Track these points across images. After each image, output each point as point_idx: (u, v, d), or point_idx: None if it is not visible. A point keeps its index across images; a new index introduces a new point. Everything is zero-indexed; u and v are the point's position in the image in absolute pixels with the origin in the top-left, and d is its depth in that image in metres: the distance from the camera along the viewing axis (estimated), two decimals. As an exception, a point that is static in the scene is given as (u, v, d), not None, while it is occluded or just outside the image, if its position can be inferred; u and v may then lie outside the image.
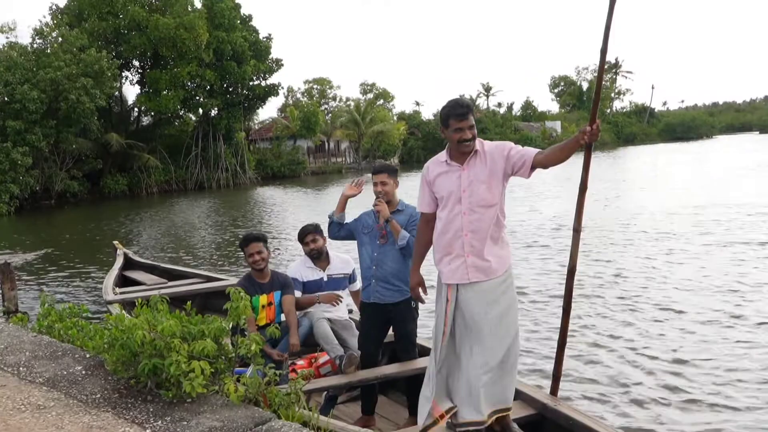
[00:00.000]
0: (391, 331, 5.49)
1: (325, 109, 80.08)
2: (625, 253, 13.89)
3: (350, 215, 5.58)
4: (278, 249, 16.94)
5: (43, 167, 39.16)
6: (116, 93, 47.20)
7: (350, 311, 6.29)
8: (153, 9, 45.79)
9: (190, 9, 46.01)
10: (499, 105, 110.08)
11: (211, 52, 46.12)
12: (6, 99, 36.83)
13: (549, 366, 5.92)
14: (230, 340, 3.88)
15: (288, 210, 29.66)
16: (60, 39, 40.91)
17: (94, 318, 8.58)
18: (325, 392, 5.54)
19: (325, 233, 5.89)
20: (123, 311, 4.17)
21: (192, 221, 27.80)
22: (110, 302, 8.13)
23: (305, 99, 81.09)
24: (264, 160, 57.92)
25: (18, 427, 3.24)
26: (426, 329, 6.20)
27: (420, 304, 5.00)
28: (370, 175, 5.36)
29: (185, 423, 3.23)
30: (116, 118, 48.36)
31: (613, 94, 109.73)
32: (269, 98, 53.98)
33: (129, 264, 10.70)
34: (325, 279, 6.10)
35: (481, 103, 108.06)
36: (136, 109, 51.31)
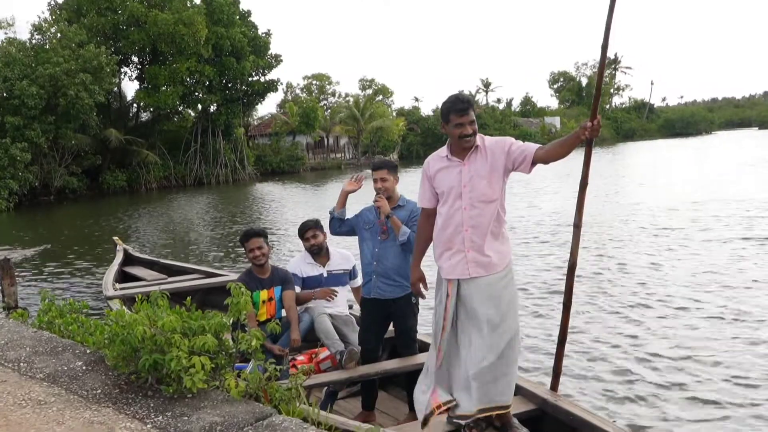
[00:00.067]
0: (391, 327, 5.49)
1: (324, 104, 79.96)
2: (624, 249, 13.89)
3: (351, 211, 5.58)
4: (277, 244, 16.93)
5: (42, 163, 39.13)
6: (115, 89, 47.11)
7: (350, 306, 6.30)
8: (152, 4, 45.72)
9: (188, 4, 45.99)
10: (498, 101, 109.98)
11: (210, 47, 46.06)
12: (5, 95, 36.81)
13: (549, 361, 5.92)
14: (231, 336, 3.88)
15: (286, 206, 29.66)
16: (59, 35, 40.89)
17: (94, 314, 8.57)
18: (326, 388, 5.55)
19: (326, 229, 5.89)
20: (123, 307, 4.17)
21: (191, 217, 27.80)
22: (110, 298, 8.13)
23: (304, 95, 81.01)
24: (263, 155, 57.90)
25: (19, 423, 3.23)
26: (427, 325, 6.20)
27: (420, 300, 5.00)
28: (370, 170, 5.36)
29: (186, 418, 3.22)
30: (115, 114, 48.30)
31: (612, 90, 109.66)
32: (268, 94, 53.98)
33: (129, 260, 10.71)
34: (325, 275, 6.10)
35: (480, 98, 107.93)
36: (135, 105, 51.27)
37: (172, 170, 48.74)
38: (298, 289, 5.93)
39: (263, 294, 5.75)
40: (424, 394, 4.16)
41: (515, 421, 4.17)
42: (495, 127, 75.07)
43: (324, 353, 5.70)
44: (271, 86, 53.03)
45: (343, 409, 5.69)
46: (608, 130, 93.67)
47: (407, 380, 5.38)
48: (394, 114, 77.42)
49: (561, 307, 4.45)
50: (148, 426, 3.16)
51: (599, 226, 16.89)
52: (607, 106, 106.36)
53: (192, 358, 3.42)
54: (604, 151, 66.79)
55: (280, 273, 5.92)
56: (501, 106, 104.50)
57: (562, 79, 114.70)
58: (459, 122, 3.97)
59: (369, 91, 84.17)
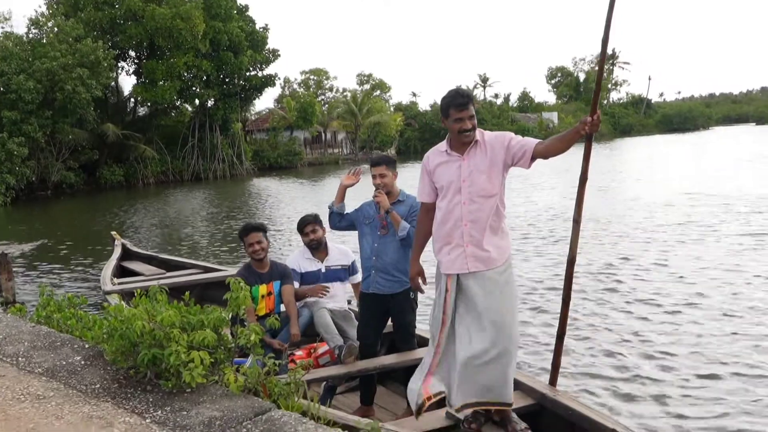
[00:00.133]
0: (390, 322, 5.49)
1: (322, 99, 79.84)
2: (622, 244, 13.90)
3: (350, 206, 5.57)
4: (274, 239, 16.93)
5: (39, 158, 39.04)
6: (112, 83, 46.99)
7: (349, 302, 6.30)
8: (149, -1, 45.61)
9: (186, -1, 45.85)
10: (496, 96, 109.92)
11: (208, 42, 45.94)
12: (2, 89, 36.75)
13: (548, 356, 5.93)
14: (230, 331, 3.88)
15: (284, 201, 29.64)
16: (56, 29, 40.77)
17: (91, 308, 8.57)
18: (324, 383, 5.55)
19: (325, 224, 5.88)
20: (122, 301, 4.17)
21: (188, 212, 27.78)
22: (108, 292, 8.13)
23: (302, 90, 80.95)
24: (260, 151, 57.84)
25: (18, 417, 3.23)
26: (426, 320, 6.20)
27: (420, 295, 5.01)
28: (368, 164, 5.34)
29: (185, 413, 3.22)
30: (112, 109, 48.19)
31: (610, 86, 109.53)
32: (266, 89, 53.81)
33: (127, 254, 10.70)
34: (323, 270, 6.10)
35: (478, 94, 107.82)
36: (132, 100, 51.11)
37: (169, 165, 48.67)
38: (296, 284, 5.94)
39: (262, 288, 5.75)
40: (415, 383, 4.18)
41: (514, 415, 4.17)
42: (492, 122, 75.00)
43: (322, 348, 5.71)
44: (269, 81, 52.93)
45: (341, 404, 5.69)
46: (606, 126, 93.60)
47: (406, 375, 5.37)
48: (392, 109, 77.39)
49: (559, 301, 4.46)
50: (147, 420, 3.17)
51: (597, 222, 16.89)
52: (605, 102, 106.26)
53: (191, 352, 3.42)
54: (602, 146, 66.79)
55: (279, 268, 5.92)
56: (499, 101, 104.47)
57: (559, 75, 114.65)
58: (458, 117, 3.97)
59: (366, 86, 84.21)
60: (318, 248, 6.11)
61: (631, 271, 11.34)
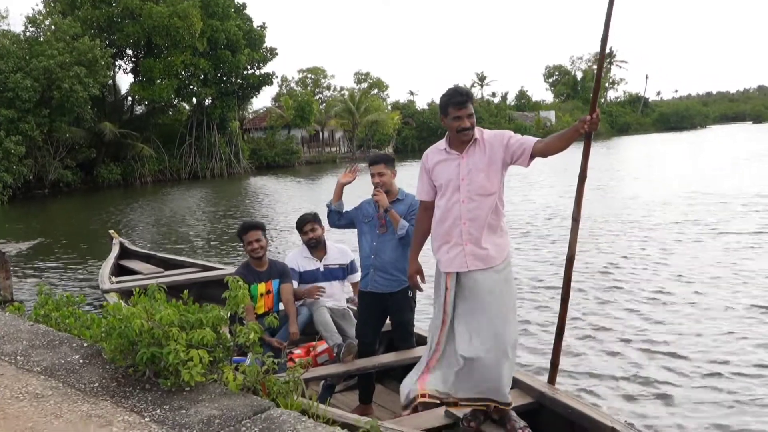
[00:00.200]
0: (388, 320, 5.49)
1: (320, 98, 79.83)
2: (620, 243, 13.91)
3: (348, 204, 5.57)
4: (272, 238, 16.91)
5: (37, 156, 38.97)
6: (110, 82, 46.92)
7: (348, 300, 6.29)
8: (146, -3, 45.53)
9: (183, -3, 45.75)
10: (494, 94, 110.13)
11: (205, 40, 45.88)
12: (-1, 87, 36.65)
13: (547, 355, 5.93)
14: (228, 329, 3.87)
15: (282, 200, 29.61)
16: (53, 27, 40.71)
17: (89, 307, 8.56)
18: (323, 381, 5.55)
19: (324, 222, 5.88)
20: (121, 300, 4.16)
21: (186, 211, 27.74)
22: (107, 291, 8.11)
23: (299, 88, 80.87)
24: (258, 149, 57.78)
25: (16, 416, 3.23)
26: (424, 318, 6.19)
27: (418, 293, 5.00)
28: (365, 162, 5.33)
29: (184, 411, 3.22)
30: (110, 107, 48.12)
31: (607, 84, 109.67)
32: (263, 87, 53.85)
33: (125, 253, 10.69)
34: (321, 269, 6.10)
35: (476, 92, 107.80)
36: (129, 98, 51.06)
37: (166, 164, 48.60)
38: (295, 283, 5.93)
39: (261, 287, 5.75)
40: (411, 379, 4.18)
41: (513, 414, 4.17)
42: (490, 121, 74.98)
43: (321, 346, 5.70)
44: (266, 79, 52.91)
45: (340, 402, 5.68)
46: (603, 124, 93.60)
47: (404, 374, 5.33)
48: (389, 108, 77.34)
49: (557, 300, 4.46)
50: (146, 419, 3.16)
51: (594, 220, 16.90)
52: (602, 100, 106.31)
53: (190, 351, 3.41)
54: (599, 145, 66.80)
55: (278, 266, 5.92)
56: (496, 99, 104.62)
57: (557, 73, 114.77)
58: (457, 115, 3.97)
59: (364, 85, 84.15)
60: (317, 247, 6.10)
61: (630, 270, 11.34)
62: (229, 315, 3.85)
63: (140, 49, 47.74)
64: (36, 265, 15.39)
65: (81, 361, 3.92)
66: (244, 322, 4.18)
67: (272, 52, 52.34)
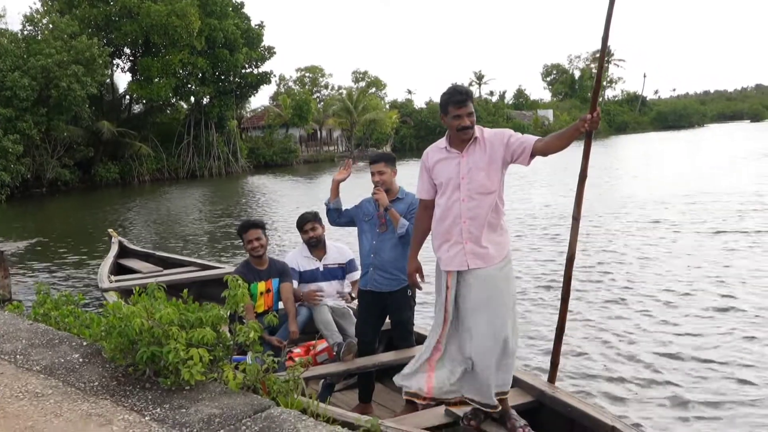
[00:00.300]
0: (388, 319, 5.49)
1: (317, 97, 79.75)
2: (619, 242, 13.93)
3: (348, 202, 5.56)
4: (270, 237, 16.88)
5: (34, 155, 38.86)
6: (107, 80, 46.74)
7: (348, 299, 6.29)
8: (144, -5, 45.43)
9: (181, -4, 45.67)
10: (492, 93, 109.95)
11: (203, 39, 45.78)
12: (-4, 86, 36.56)
13: (547, 354, 5.93)
14: (228, 328, 3.87)
15: (280, 199, 29.59)
16: (51, 26, 40.58)
17: (88, 306, 8.55)
18: (322, 380, 5.54)
19: (324, 221, 5.88)
20: (120, 299, 4.16)
21: (184, 210, 27.73)
22: (106, 290, 8.10)
23: (297, 87, 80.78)
24: (256, 148, 57.68)
25: (16, 415, 3.22)
26: (424, 317, 6.20)
27: (418, 292, 5.00)
28: (362, 162, 5.33)
29: (184, 410, 3.21)
30: (107, 106, 48.01)
31: (605, 83, 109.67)
32: (261, 86, 53.73)
33: (124, 252, 10.67)
34: (321, 269, 6.10)
35: (474, 91, 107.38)
36: (127, 97, 50.93)
37: (164, 163, 48.49)
38: (295, 283, 5.93)
39: (261, 286, 5.75)
40: (413, 376, 4.17)
41: (513, 412, 4.18)
42: (488, 119, 74.96)
43: (321, 345, 5.70)
44: (264, 78, 52.81)
45: (339, 401, 5.68)
46: (601, 123, 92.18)
47: (404, 373, 5.38)
48: (387, 106, 77.29)
49: (557, 299, 4.46)
50: (147, 418, 3.15)
51: (593, 219, 16.90)
52: (601, 99, 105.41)
53: (190, 350, 3.41)
54: (597, 143, 66.77)
55: (278, 265, 5.92)
56: (494, 98, 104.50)
57: (555, 72, 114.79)
58: (457, 114, 3.97)
59: (362, 84, 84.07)
60: (317, 246, 6.10)
61: (629, 269, 11.35)
62: (228, 314, 3.85)
63: (138, 48, 47.63)
64: (34, 264, 15.37)
65: (81, 360, 3.91)
66: (244, 321, 4.18)
67: (270, 51, 52.29)
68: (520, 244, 14.18)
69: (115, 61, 47.94)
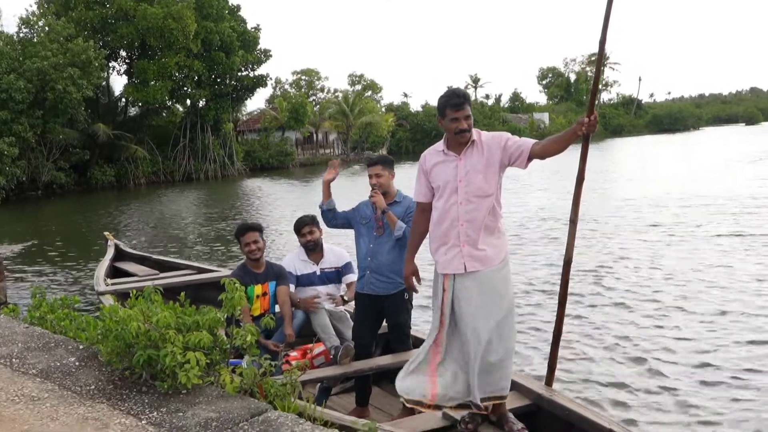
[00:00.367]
0: (385, 322, 5.48)
1: (314, 100, 79.66)
2: (615, 245, 13.94)
3: (343, 205, 5.56)
4: (266, 240, 16.87)
5: (30, 158, 38.75)
6: (103, 83, 46.69)
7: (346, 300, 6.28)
8: (140, -2, 45.39)
9: (177, -2, 45.66)
10: (487, 97, 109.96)
11: (199, 42, 45.74)
12: (-8, 89, 36.49)
13: (544, 357, 5.93)
14: (225, 331, 3.86)
15: (276, 202, 29.56)
16: (46, 28, 40.52)
17: (84, 310, 8.53)
18: (319, 383, 5.53)
19: (322, 225, 5.87)
20: (117, 302, 4.14)
21: (180, 213, 27.70)
22: (102, 293, 8.07)
23: (293, 90, 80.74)
24: (252, 151, 57.61)
25: (12, 419, 3.21)
26: (421, 320, 6.19)
27: (415, 295, 4.99)
28: (342, 158, 5.32)
29: (181, 414, 3.21)
30: (103, 109, 47.90)
31: (601, 86, 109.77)
32: (257, 89, 53.64)
33: (120, 255, 10.64)
34: (318, 273, 6.09)
35: (469, 94, 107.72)
36: (123, 100, 50.81)
37: (160, 165, 48.42)
38: (292, 287, 5.92)
39: (257, 289, 5.74)
40: (414, 382, 4.16)
41: (511, 415, 4.17)
42: (484, 122, 74.91)
43: (318, 349, 5.69)
44: (260, 81, 52.79)
45: (336, 405, 5.67)
46: (597, 126, 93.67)
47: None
48: (383, 110, 77.29)
49: (554, 302, 4.45)
50: (143, 422, 3.14)
51: (589, 222, 16.92)
52: (596, 102, 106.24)
53: (187, 353, 3.40)
54: (592, 147, 66.07)
55: (275, 268, 5.91)
56: (490, 101, 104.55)
57: (550, 75, 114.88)
58: (454, 117, 3.97)
59: (358, 87, 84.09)
60: (314, 249, 6.09)
61: (626, 272, 11.36)
62: (225, 317, 3.84)
63: (134, 51, 47.59)
64: (30, 268, 15.33)
65: (77, 363, 3.90)
66: (241, 324, 4.17)
67: (266, 54, 52.28)
68: (517, 247, 14.18)
69: (111, 64, 47.92)
